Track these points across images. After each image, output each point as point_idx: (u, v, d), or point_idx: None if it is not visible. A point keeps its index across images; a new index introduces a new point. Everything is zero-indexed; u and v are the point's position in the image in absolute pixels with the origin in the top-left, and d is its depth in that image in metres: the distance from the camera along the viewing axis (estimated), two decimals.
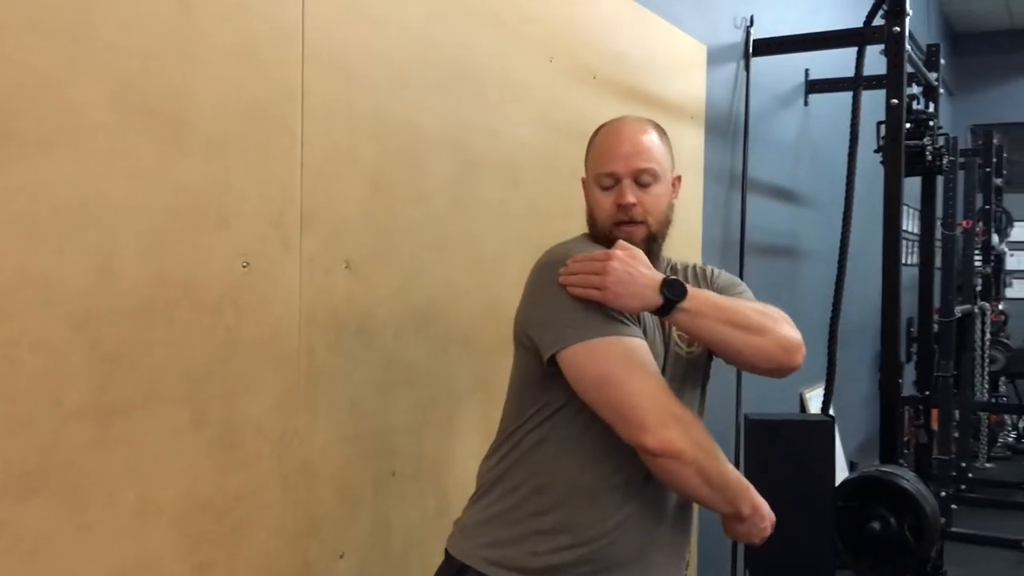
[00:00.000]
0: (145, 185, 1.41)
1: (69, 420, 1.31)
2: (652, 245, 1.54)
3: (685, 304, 1.40)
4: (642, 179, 1.52)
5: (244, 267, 1.58)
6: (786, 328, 1.50)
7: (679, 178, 1.63)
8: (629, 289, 1.38)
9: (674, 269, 1.65)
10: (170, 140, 1.45)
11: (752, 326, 1.45)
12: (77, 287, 1.32)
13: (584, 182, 1.63)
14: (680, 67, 3.30)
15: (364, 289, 1.85)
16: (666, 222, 1.57)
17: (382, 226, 1.89)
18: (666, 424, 1.34)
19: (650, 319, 1.51)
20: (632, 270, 1.38)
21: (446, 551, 1.58)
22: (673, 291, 1.39)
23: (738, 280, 1.68)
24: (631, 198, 1.51)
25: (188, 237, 1.49)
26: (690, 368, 1.58)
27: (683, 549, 1.58)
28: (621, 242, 1.45)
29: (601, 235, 1.55)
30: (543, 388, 1.48)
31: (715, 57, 3.62)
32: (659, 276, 1.41)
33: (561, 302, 1.42)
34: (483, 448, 2.20)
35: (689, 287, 1.42)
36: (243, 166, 1.58)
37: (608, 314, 1.41)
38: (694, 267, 1.68)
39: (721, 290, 1.62)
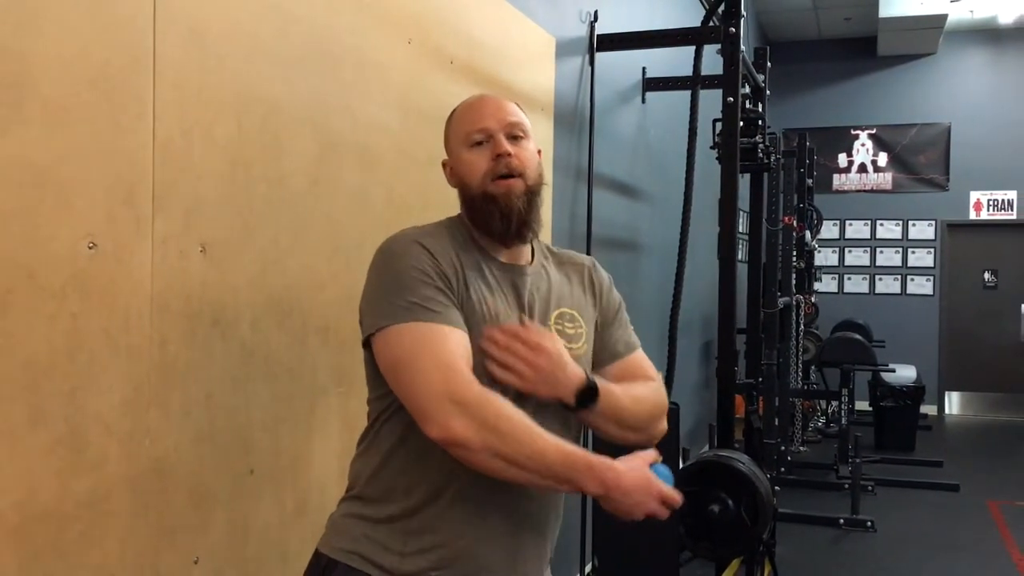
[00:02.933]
0: None
1: None
2: (532, 199, 1.48)
3: (592, 406, 1.42)
4: (514, 132, 1.48)
5: (90, 248, 1.43)
6: (659, 424, 1.55)
7: (540, 151, 1.57)
8: (550, 387, 1.39)
9: (560, 260, 1.60)
10: (5, 104, 1.29)
11: (635, 426, 1.50)
12: None
13: (447, 162, 1.55)
14: (531, 58, 3.30)
15: (220, 275, 1.72)
16: (541, 180, 1.52)
17: (239, 208, 1.77)
18: (448, 412, 1.28)
19: (502, 303, 1.45)
20: (559, 372, 1.39)
21: (316, 548, 1.48)
22: (586, 398, 1.41)
23: (616, 297, 1.64)
24: (509, 147, 1.46)
25: (26, 214, 1.33)
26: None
27: (546, 546, 1.53)
28: (548, 335, 1.41)
29: (477, 196, 1.46)
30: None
31: (563, 50, 3.64)
32: (580, 380, 1.41)
33: (378, 287, 1.38)
34: (343, 445, 2.11)
35: (600, 386, 1.43)
36: (88, 137, 1.43)
37: (414, 300, 1.35)
38: (583, 268, 1.62)
39: (603, 311, 1.59)
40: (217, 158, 1.71)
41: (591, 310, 1.57)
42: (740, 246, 6.60)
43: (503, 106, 1.51)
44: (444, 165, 1.57)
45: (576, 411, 1.42)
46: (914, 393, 7.59)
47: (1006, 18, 9.03)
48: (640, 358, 1.61)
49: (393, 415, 1.42)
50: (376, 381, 1.43)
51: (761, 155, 4.23)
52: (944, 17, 8.42)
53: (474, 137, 1.48)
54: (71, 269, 1.40)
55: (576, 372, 1.41)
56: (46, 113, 1.35)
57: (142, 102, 1.53)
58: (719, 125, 3.90)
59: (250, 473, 1.82)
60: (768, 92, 4.91)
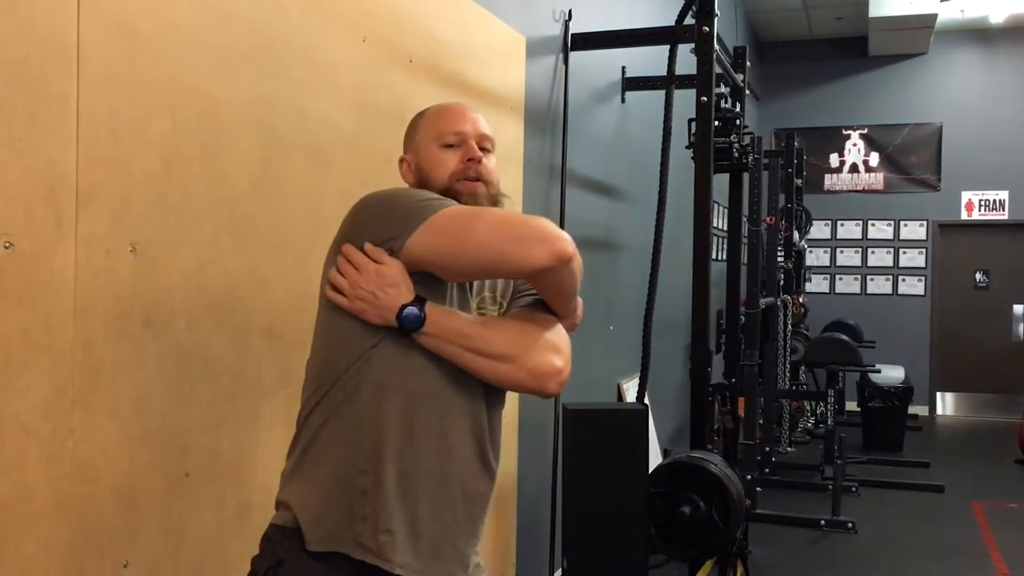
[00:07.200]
0: None
1: None
2: (493, 206, 1.53)
3: (425, 329, 1.40)
4: (484, 145, 1.56)
5: (6, 248, 1.41)
6: (538, 355, 1.44)
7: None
8: (372, 308, 1.40)
9: None
10: None
11: (496, 353, 1.43)
12: None
13: (406, 158, 1.60)
14: (499, 57, 3.27)
15: (153, 275, 1.70)
16: (499, 193, 1.58)
17: (174, 207, 1.75)
18: (558, 234, 1.37)
19: (449, 291, 1.48)
20: (378, 291, 1.39)
21: None
22: (406, 320, 1.39)
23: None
24: (480, 153, 1.54)
25: None
26: None
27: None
28: (379, 255, 1.40)
29: (441, 193, 1.50)
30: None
31: (534, 49, 3.61)
32: (399, 303, 1.39)
33: (397, 201, 1.43)
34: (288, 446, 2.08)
35: (434, 311, 1.40)
36: (4, 135, 1.40)
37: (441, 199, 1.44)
38: None
39: (518, 288, 1.60)
40: (149, 156, 1.68)
41: (510, 291, 1.60)
42: (723, 246, 6.58)
43: (478, 118, 1.60)
44: (402, 161, 1.62)
45: (415, 337, 1.40)
46: (902, 394, 7.56)
47: (996, 17, 9.00)
48: (538, 307, 1.52)
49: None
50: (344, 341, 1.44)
51: (736, 155, 4.20)
52: (934, 17, 8.39)
53: (448, 139, 1.55)
54: None
55: (400, 293, 1.39)
56: None
57: (64, 99, 1.51)
58: (694, 125, 3.88)
59: (186, 476, 1.80)
60: (748, 92, 4.88)
